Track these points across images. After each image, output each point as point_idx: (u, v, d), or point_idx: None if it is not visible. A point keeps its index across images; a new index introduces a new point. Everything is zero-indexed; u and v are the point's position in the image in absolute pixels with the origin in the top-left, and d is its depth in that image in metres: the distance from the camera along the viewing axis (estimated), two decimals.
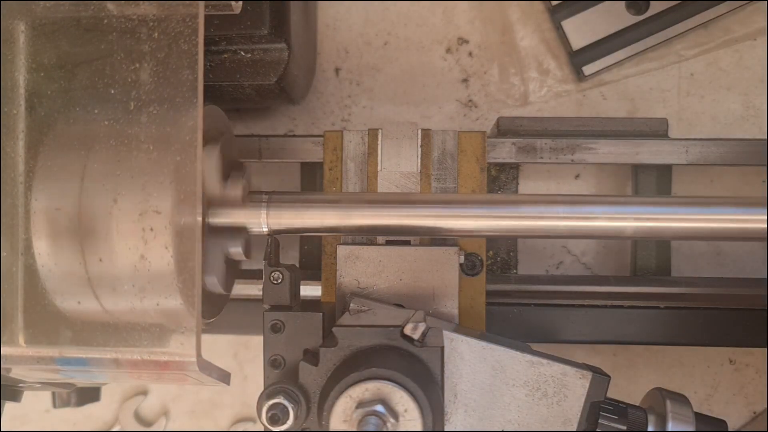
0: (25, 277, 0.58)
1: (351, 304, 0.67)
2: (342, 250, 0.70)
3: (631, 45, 0.91)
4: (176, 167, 0.56)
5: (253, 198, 0.66)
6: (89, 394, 0.90)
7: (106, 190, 0.56)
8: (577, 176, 0.96)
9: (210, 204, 0.65)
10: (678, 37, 0.92)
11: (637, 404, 0.66)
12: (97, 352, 0.58)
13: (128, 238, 0.56)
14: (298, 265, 0.80)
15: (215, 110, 0.69)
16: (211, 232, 0.66)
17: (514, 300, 0.83)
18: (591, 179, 0.96)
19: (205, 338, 0.58)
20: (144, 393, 1.02)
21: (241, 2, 0.61)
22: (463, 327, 0.68)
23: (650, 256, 0.88)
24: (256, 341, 0.97)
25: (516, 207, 0.65)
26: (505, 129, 0.88)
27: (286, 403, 0.57)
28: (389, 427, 0.52)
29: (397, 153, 0.72)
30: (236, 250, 0.67)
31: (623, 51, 0.91)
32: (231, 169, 0.68)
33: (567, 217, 0.64)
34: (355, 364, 0.55)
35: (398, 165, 0.72)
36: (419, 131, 0.72)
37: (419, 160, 0.72)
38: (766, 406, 0.95)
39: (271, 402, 0.57)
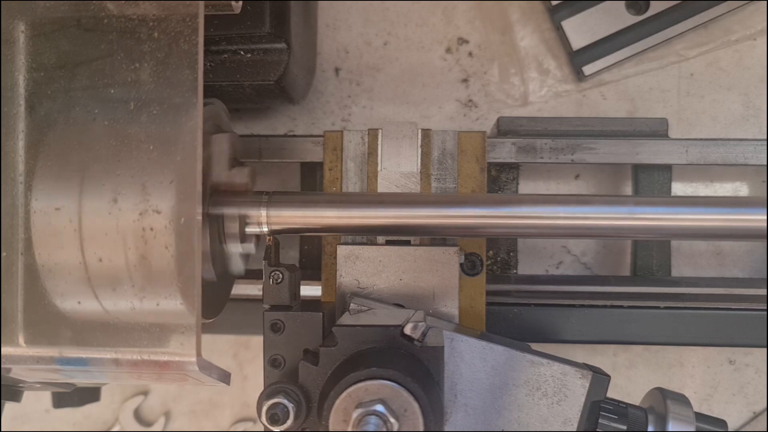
0: (25, 277, 0.58)
1: (351, 304, 0.67)
2: (342, 250, 0.70)
3: (631, 45, 0.91)
4: (176, 167, 0.56)
5: (253, 198, 0.66)
6: (89, 394, 0.90)
7: (106, 190, 0.56)
8: (576, 176, 0.96)
9: (214, 191, 0.65)
10: (678, 37, 0.92)
11: (637, 404, 0.66)
12: (97, 352, 0.58)
13: (128, 238, 0.56)
14: (298, 265, 0.80)
15: (221, 106, 0.70)
16: (212, 225, 0.65)
17: (514, 300, 0.83)
18: (591, 179, 0.96)
19: (205, 338, 0.58)
20: (144, 393, 1.02)
21: (241, 2, 0.61)
22: (463, 327, 0.68)
23: (650, 256, 0.88)
24: (256, 341, 0.97)
25: (516, 207, 0.65)
26: (505, 129, 0.88)
27: (286, 402, 0.57)
28: (389, 427, 0.52)
29: (397, 153, 0.72)
30: (239, 247, 0.67)
31: (623, 51, 0.91)
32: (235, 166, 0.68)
33: (567, 217, 0.64)
34: (355, 364, 0.55)
35: (398, 165, 0.72)
36: (419, 131, 0.72)
37: (419, 160, 0.72)
38: (766, 406, 0.95)
39: (271, 402, 0.57)
